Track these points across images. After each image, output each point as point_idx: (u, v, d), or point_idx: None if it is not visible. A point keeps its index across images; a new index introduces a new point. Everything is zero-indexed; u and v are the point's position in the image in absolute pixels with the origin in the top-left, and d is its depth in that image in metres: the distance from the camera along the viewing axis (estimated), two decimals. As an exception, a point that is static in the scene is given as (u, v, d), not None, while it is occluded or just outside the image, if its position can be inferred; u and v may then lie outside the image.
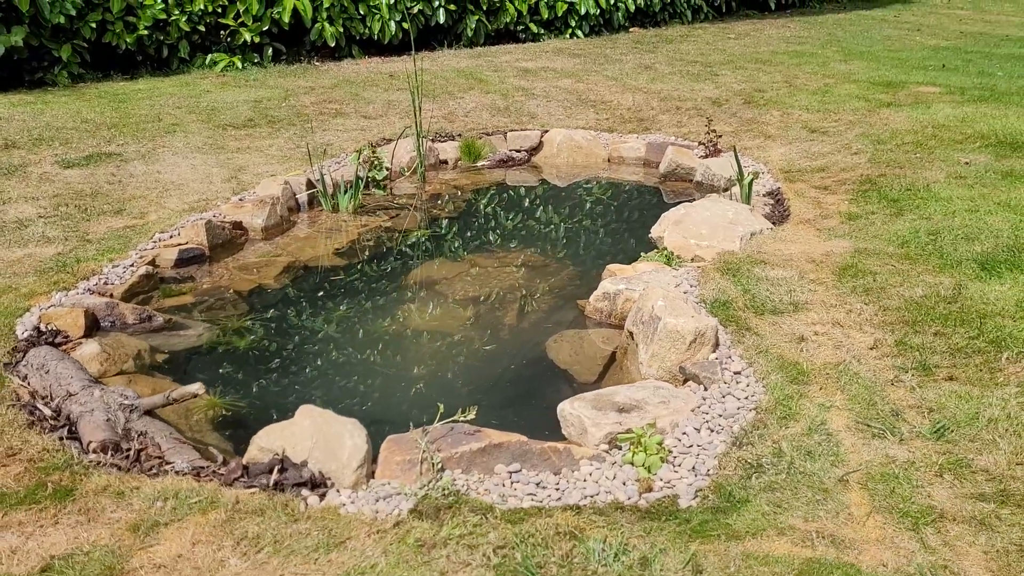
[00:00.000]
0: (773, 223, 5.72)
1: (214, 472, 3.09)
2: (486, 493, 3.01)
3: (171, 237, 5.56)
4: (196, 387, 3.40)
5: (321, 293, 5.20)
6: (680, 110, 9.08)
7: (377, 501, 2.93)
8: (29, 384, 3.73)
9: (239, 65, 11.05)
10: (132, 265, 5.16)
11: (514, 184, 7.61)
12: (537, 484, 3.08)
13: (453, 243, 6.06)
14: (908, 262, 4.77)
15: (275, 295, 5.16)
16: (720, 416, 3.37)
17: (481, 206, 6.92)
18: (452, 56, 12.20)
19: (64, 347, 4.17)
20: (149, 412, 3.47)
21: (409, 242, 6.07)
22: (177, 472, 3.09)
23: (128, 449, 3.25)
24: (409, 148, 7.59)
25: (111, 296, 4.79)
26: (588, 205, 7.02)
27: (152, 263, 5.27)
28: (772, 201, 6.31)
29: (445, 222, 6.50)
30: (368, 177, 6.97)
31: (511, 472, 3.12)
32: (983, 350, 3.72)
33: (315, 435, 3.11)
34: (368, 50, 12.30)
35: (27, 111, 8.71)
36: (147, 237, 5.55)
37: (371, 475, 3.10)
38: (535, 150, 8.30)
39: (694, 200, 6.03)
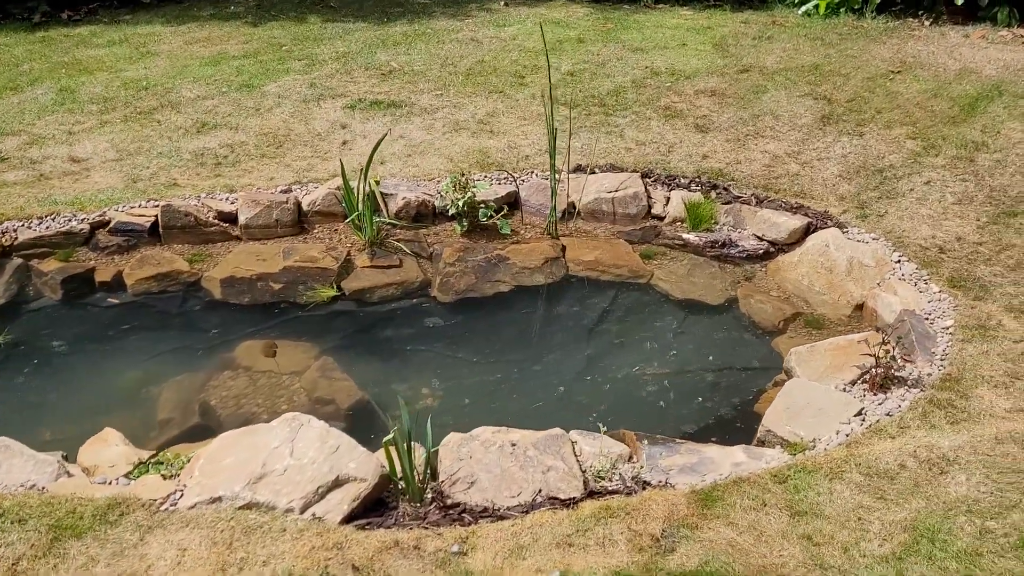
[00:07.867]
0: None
1: None
2: None
3: (156, 207, 5.58)
4: None
5: (108, 318, 4.81)
6: None
7: None
8: None
9: (822, 9, 8.79)
10: (83, 220, 5.43)
11: (611, 283, 4.98)
12: None
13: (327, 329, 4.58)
14: None
15: (96, 297, 5.06)
16: None
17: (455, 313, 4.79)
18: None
19: None
20: None
21: (297, 303, 4.80)
22: None
23: None
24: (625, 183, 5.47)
25: (13, 243, 5.32)
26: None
27: (103, 224, 5.47)
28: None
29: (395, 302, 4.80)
30: (444, 207, 5.40)
31: None
32: None
33: None
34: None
35: (505, 33, 8.60)
36: (156, 197, 5.65)
37: None
38: (784, 247, 5.02)
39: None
